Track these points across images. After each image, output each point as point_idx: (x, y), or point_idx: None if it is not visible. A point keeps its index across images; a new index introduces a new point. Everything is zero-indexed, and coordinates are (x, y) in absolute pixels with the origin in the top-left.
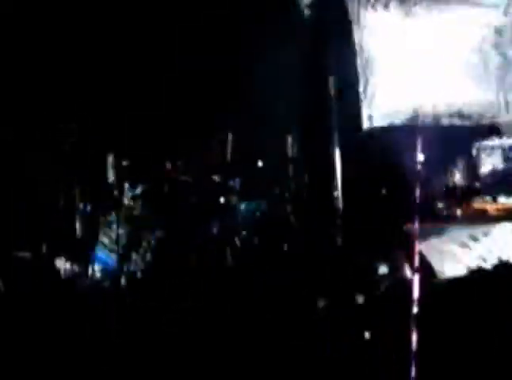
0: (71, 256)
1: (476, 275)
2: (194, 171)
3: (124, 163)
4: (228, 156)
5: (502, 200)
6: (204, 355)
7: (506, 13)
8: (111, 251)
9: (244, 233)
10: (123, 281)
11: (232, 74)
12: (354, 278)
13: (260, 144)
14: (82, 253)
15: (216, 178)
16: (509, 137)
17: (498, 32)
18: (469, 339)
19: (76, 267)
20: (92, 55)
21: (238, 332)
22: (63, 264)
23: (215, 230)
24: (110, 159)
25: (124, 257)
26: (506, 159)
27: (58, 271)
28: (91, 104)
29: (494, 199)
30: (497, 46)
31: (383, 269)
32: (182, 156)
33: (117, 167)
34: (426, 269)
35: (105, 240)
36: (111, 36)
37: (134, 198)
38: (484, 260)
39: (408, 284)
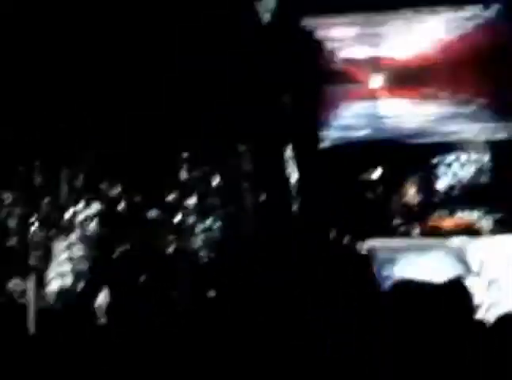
0: (24, 279)
1: (429, 289)
2: (148, 190)
3: (78, 182)
4: (185, 174)
5: (459, 215)
6: None
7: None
8: (64, 272)
9: (202, 252)
10: (77, 303)
11: (186, 90)
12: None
13: (216, 160)
14: (35, 275)
15: (172, 197)
16: (464, 153)
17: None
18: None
19: (29, 290)
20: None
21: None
22: (15, 286)
23: (171, 249)
24: (64, 177)
25: (78, 279)
26: (461, 174)
27: (10, 293)
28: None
29: (451, 215)
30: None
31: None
32: (136, 175)
33: (71, 185)
34: (380, 285)
35: (59, 261)
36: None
37: (87, 218)
38: (439, 274)
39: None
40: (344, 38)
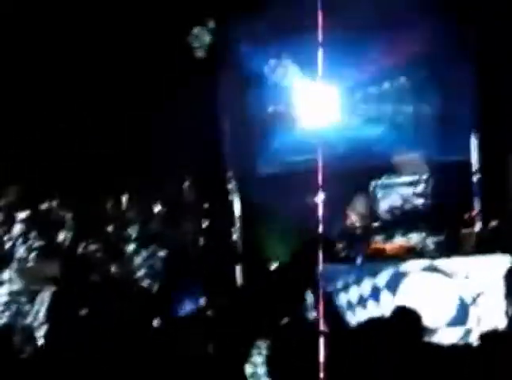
0: None
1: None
2: (89, 220)
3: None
4: (123, 205)
5: (400, 239)
6: None
7: None
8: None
9: (144, 281)
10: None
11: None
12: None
13: (157, 189)
14: None
15: (111, 227)
16: (405, 175)
17: None
18: None
19: None
20: None
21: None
22: None
23: (113, 281)
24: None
25: (19, 315)
26: (402, 197)
27: None
28: None
29: (392, 238)
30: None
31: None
32: (77, 204)
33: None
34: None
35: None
36: None
37: (25, 251)
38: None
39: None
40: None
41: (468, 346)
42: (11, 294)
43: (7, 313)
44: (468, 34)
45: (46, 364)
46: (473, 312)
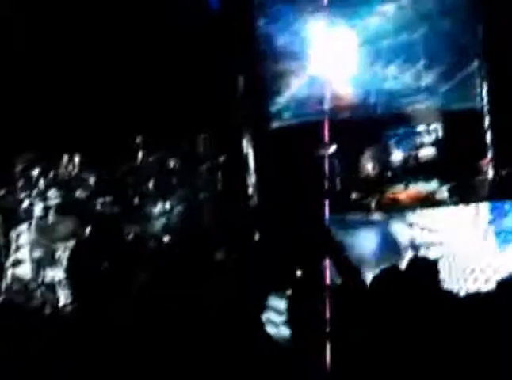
0: None
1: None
2: (105, 176)
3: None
4: (139, 161)
5: (414, 187)
6: None
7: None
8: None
9: (162, 236)
10: (40, 299)
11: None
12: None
13: (172, 144)
14: None
15: (129, 181)
16: (418, 124)
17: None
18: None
19: None
20: None
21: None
22: None
23: (131, 236)
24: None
25: (38, 273)
26: (415, 146)
27: None
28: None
29: (407, 187)
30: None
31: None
32: (93, 161)
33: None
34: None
35: (19, 254)
36: None
37: (45, 207)
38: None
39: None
40: None
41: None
42: (31, 251)
43: (28, 272)
44: None
45: (67, 323)
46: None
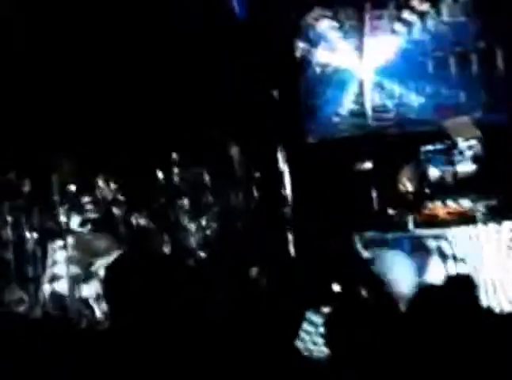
0: (21, 287)
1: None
2: (140, 191)
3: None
4: (175, 176)
5: (452, 204)
6: None
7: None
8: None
9: (199, 251)
10: (77, 312)
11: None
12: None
13: (207, 160)
14: (31, 284)
15: (163, 199)
16: (456, 139)
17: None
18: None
19: (26, 298)
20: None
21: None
22: (12, 296)
23: (168, 250)
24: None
25: (75, 288)
26: (451, 162)
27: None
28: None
29: (444, 203)
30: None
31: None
32: (128, 177)
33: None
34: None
35: (56, 269)
36: None
37: (80, 222)
38: (442, 265)
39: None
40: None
41: None
42: (67, 266)
43: (64, 288)
44: None
45: (103, 336)
46: None
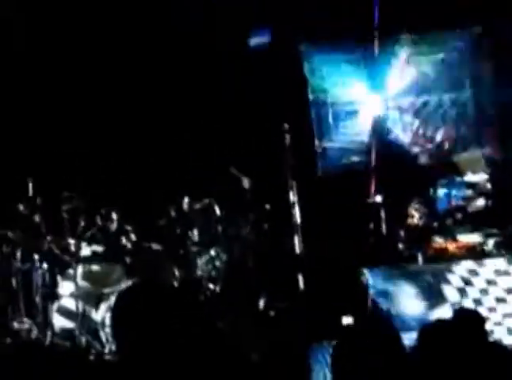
0: (29, 316)
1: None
2: (150, 223)
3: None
4: (185, 208)
5: (462, 238)
6: None
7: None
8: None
9: (207, 282)
10: (84, 342)
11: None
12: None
13: (217, 192)
14: (40, 313)
15: (175, 228)
16: (465, 174)
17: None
18: None
19: (34, 328)
20: None
21: None
22: (21, 325)
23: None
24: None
25: (84, 318)
26: (463, 196)
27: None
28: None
29: (454, 238)
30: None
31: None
32: (138, 209)
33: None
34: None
35: (65, 299)
36: None
37: (90, 254)
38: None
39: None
40: None
41: None
42: (76, 297)
43: (73, 318)
44: None
45: (112, 367)
46: None
